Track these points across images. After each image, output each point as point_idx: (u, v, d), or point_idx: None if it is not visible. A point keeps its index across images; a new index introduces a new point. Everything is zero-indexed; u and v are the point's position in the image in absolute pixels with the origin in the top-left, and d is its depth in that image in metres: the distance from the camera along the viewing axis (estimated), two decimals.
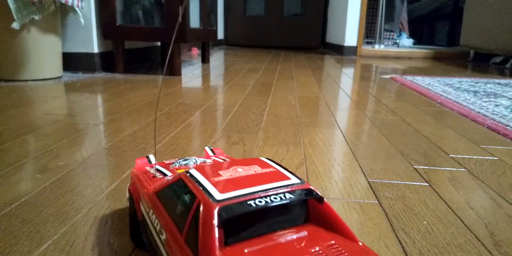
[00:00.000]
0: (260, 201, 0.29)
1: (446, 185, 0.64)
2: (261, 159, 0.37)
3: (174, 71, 1.89)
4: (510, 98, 1.45)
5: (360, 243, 0.29)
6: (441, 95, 1.50)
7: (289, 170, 0.34)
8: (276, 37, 5.06)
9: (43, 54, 1.61)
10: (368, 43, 4.10)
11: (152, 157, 0.47)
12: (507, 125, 1.03)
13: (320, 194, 0.32)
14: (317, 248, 0.28)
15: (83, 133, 0.88)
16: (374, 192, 0.60)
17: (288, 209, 0.31)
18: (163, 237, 0.33)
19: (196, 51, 3.54)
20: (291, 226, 0.31)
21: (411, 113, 1.18)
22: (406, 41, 4.19)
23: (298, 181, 0.32)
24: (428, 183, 0.65)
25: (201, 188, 0.31)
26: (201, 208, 0.29)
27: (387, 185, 0.63)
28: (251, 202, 0.29)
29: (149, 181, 0.41)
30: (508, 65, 2.86)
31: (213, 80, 1.81)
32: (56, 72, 1.69)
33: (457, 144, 0.87)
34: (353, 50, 3.50)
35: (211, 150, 0.48)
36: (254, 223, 0.30)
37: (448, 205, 0.57)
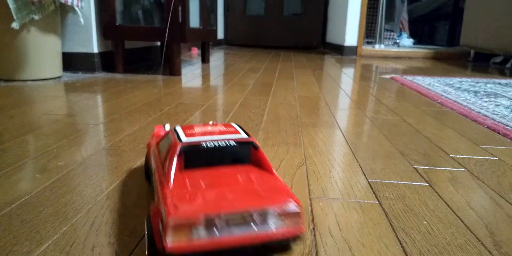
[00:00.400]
0: (210, 144, 0.46)
1: (446, 185, 0.64)
2: (230, 124, 0.53)
3: (174, 71, 1.89)
4: (510, 98, 1.45)
5: (276, 174, 0.45)
6: (441, 95, 1.50)
7: (246, 130, 0.52)
8: (276, 37, 5.06)
9: (43, 54, 1.61)
10: (368, 43, 4.09)
11: (167, 126, 0.62)
12: (507, 125, 1.03)
13: (258, 145, 0.47)
14: (242, 176, 0.44)
15: (83, 133, 0.88)
16: (374, 192, 0.60)
17: (234, 152, 0.47)
18: (153, 168, 0.49)
19: (196, 51, 3.54)
20: (235, 164, 0.47)
21: (411, 113, 1.18)
22: (406, 41, 4.19)
23: (245, 136, 0.48)
24: (428, 183, 0.65)
25: (176, 135, 0.47)
26: (172, 146, 0.46)
27: (387, 185, 0.63)
28: (204, 144, 0.45)
29: (156, 139, 0.57)
30: (508, 65, 2.86)
31: (213, 80, 1.81)
32: (56, 72, 1.69)
33: (457, 144, 0.87)
34: (353, 50, 3.50)
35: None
36: (207, 158, 0.46)
37: (448, 205, 0.57)
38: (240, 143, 0.47)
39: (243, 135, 0.48)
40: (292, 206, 0.38)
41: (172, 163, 0.43)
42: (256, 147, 0.47)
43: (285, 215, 0.38)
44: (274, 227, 0.38)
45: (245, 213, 0.37)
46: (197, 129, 0.49)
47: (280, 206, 0.38)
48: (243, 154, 0.47)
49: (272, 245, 0.39)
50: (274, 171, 0.46)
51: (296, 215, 0.39)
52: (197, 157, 0.46)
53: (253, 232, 0.38)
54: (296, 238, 0.39)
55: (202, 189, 0.41)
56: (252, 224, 0.38)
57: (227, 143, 0.46)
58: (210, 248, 0.36)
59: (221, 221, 0.37)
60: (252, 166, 0.47)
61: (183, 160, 0.45)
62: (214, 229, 0.37)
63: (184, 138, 0.46)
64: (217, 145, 0.46)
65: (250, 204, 0.38)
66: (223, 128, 0.50)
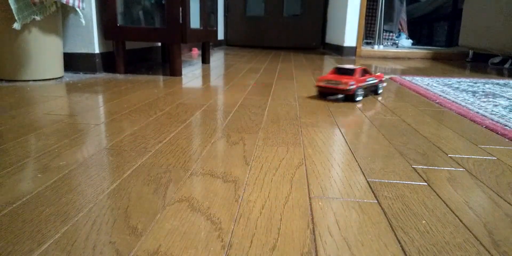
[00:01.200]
0: (343, 67, 1.42)
1: (444, 185, 0.64)
2: (363, 67, 1.44)
3: (174, 71, 1.90)
4: (508, 98, 1.46)
5: (363, 77, 1.41)
6: (440, 95, 1.51)
7: (366, 69, 1.46)
8: (276, 37, 5.07)
9: (44, 54, 1.61)
10: (367, 43, 4.10)
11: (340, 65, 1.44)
12: (506, 125, 1.04)
13: (355, 70, 1.39)
14: (349, 77, 1.37)
15: (84, 133, 0.89)
16: (373, 192, 0.61)
17: (349, 71, 1.39)
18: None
19: (196, 52, 3.55)
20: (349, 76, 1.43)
21: (410, 113, 1.19)
22: (405, 41, 4.20)
23: (357, 67, 1.40)
24: (427, 182, 0.65)
25: (335, 67, 1.45)
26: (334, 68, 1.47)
27: (386, 185, 0.64)
28: (341, 67, 1.43)
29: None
30: (506, 66, 2.86)
31: (213, 80, 1.81)
32: (57, 72, 1.70)
33: (456, 144, 0.88)
34: (352, 51, 3.51)
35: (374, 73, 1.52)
36: (342, 72, 1.41)
37: (446, 205, 0.57)
38: (353, 68, 1.36)
39: (356, 67, 1.36)
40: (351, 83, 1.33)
41: (330, 71, 1.45)
42: (354, 71, 1.37)
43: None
44: (341, 86, 1.34)
45: (336, 81, 1.33)
46: (348, 64, 1.63)
47: (345, 82, 1.32)
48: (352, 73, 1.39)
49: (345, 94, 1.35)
50: (369, 75, 1.43)
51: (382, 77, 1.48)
52: (339, 71, 1.39)
53: (336, 86, 1.34)
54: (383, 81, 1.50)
55: (333, 76, 1.37)
56: (336, 84, 1.34)
57: (348, 68, 1.38)
58: (326, 86, 1.37)
59: (329, 81, 1.36)
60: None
61: (335, 71, 1.40)
62: (327, 83, 1.37)
63: (338, 67, 1.41)
64: (346, 67, 1.38)
65: (339, 79, 1.33)
66: (357, 66, 1.41)
